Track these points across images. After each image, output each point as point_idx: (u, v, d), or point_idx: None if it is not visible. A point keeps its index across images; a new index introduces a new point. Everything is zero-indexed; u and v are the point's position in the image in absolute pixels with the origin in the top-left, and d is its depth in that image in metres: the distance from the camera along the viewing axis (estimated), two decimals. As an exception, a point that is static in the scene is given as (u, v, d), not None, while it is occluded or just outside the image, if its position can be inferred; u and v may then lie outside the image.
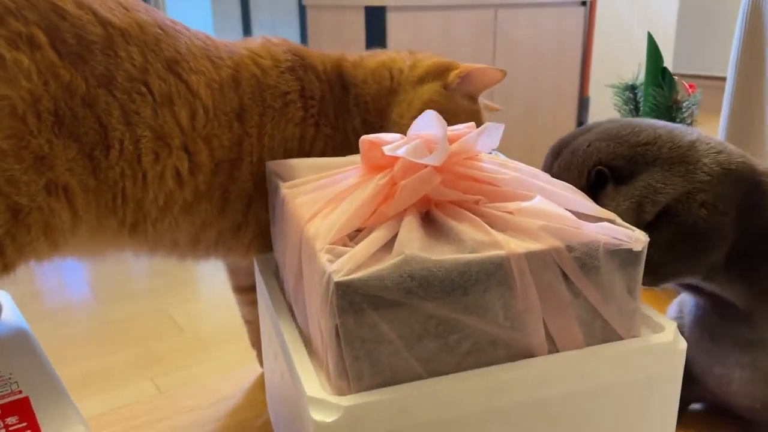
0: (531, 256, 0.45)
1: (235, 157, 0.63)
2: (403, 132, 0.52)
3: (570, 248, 0.45)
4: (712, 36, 4.72)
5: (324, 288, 0.43)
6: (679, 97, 0.90)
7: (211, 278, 2.17)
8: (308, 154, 0.67)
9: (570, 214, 0.48)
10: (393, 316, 0.43)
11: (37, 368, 0.54)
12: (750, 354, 0.63)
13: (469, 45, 3.11)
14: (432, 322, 0.44)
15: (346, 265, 0.42)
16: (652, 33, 0.96)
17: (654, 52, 0.93)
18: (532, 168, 0.57)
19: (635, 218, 0.58)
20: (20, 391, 0.51)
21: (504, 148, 0.64)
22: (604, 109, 1.01)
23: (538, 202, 0.49)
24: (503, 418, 0.46)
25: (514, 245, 0.45)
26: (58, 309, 2.02)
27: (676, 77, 0.93)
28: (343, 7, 2.94)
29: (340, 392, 0.44)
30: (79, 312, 2.02)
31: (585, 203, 0.51)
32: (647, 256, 0.49)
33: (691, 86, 0.94)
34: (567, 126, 3.31)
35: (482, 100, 0.75)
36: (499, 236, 0.45)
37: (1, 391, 0.51)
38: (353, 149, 0.66)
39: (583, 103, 3.58)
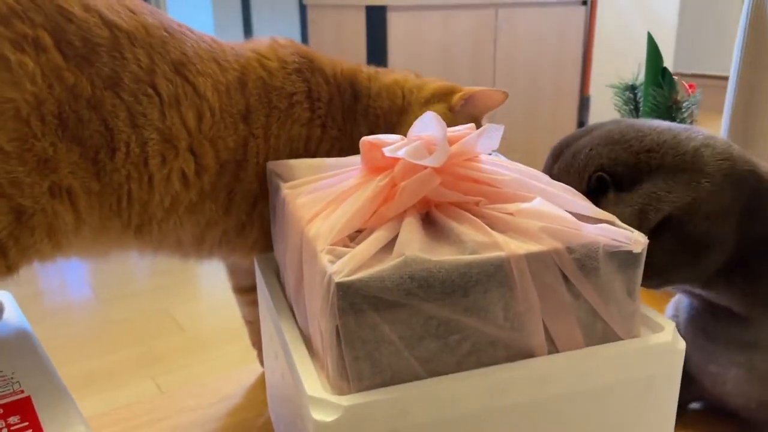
0: (531, 258, 0.45)
1: (240, 158, 0.64)
2: None
3: (570, 250, 0.46)
4: (713, 35, 4.72)
5: (325, 289, 0.43)
6: (678, 97, 0.90)
7: (212, 278, 2.17)
8: (314, 155, 0.67)
9: (570, 215, 0.48)
10: (393, 316, 0.43)
11: (38, 368, 0.54)
12: (744, 354, 0.63)
13: (470, 44, 3.11)
14: (432, 323, 0.44)
15: (346, 265, 0.42)
16: (653, 32, 0.96)
17: (654, 52, 0.93)
18: (532, 169, 0.57)
19: (638, 225, 0.57)
20: (22, 391, 0.51)
21: (504, 147, 0.64)
22: (605, 108, 1.01)
23: (538, 203, 0.49)
24: (503, 418, 0.47)
25: (515, 246, 0.45)
26: (59, 309, 2.02)
27: (676, 77, 0.93)
28: (343, 7, 2.94)
29: (341, 392, 0.44)
30: (80, 312, 2.02)
31: (584, 205, 0.52)
32: (648, 260, 0.49)
33: (690, 86, 0.94)
34: (567, 126, 3.31)
35: (485, 122, 0.76)
36: (500, 237, 0.45)
37: (4, 391, 0.51)
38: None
39: (583, 103, 3.58)
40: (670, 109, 0.89)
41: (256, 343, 0.81)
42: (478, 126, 0.73)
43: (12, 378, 0.52)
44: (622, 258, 0.47)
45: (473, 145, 0.52)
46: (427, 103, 0.71)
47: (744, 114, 0.95)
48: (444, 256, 0.44)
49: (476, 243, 0.45)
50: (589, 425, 0.49)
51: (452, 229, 0.47)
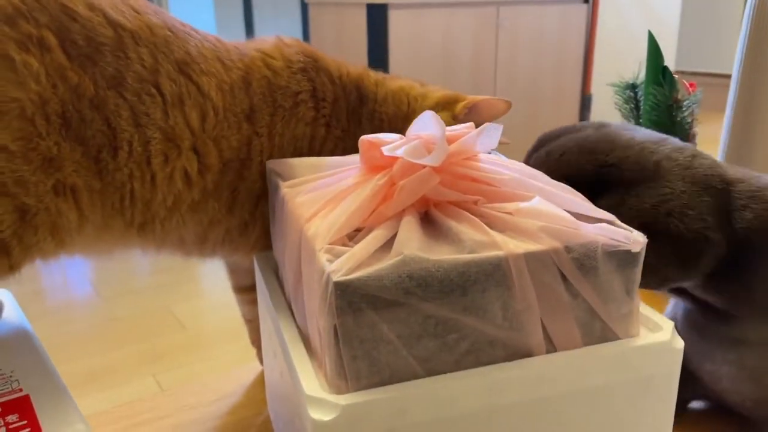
0: (529, 257, 0.45)
1: (244, 157, 0.64)
2: None
3: (568, 249, 0.46)
4: (715, 33, 4.72)
5: (323, 287, 0.43)
6: (679, 96, 0.90)
7: (213, 276, 2.17)
8: (318, 155, 0.68)
9: (568, 215, 0.48)
10: (392, 315, 0.43)
11: (38, 366, 0.54)
12: (734, 351, 0.64)
13: (471, 42, 3.11)
14: (431, 322, 0.44)
15: (345, 264, 0.42)
16: (654, 30, 0.96)
17: (654, 51, 0.93)
18: (531, 168, 0.57)
19: None
20: (21, 390, 0.51)
21: (504, 146, 0.64)
22: (606, 107, 1.02)
23: (536, 202, 0.49)
24: (501, 417, 0.47)
25: (513, 246, 0.45)
26: (61, 306, 2.03)
27: (678, 75, 0.93)
28: (344, 5, 2.94)
29: (339, 391, 0.44)
30: (81, 309, 2.02)
31: (583, 204, 0.51)
32: (644, 260, 0.49)
33: (691, 85, 0.94)
34: (569, 124, 3.31)
35: None
36: (498, 237, 0.45)
37: (2, 390, 0.51)
38: None
39: (585, 101, 3.58)
40: (670, 108, 0.89)
41: (256, 341, 0.81)
42: None
43: (11, 377, 0.53)
44: (621, 257, 0.47)
45: (472, 144, 0.52)
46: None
47: (746, 112, 0.95)
48: (443, 255, 0.44)
49: (475, 242, 0.45)
50: (587, 424, 0.49)
51: (451, 228, 0.47)
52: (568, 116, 3.50)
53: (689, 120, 0.91)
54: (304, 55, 0.69)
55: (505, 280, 0.44)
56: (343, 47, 3.01)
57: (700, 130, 0.95)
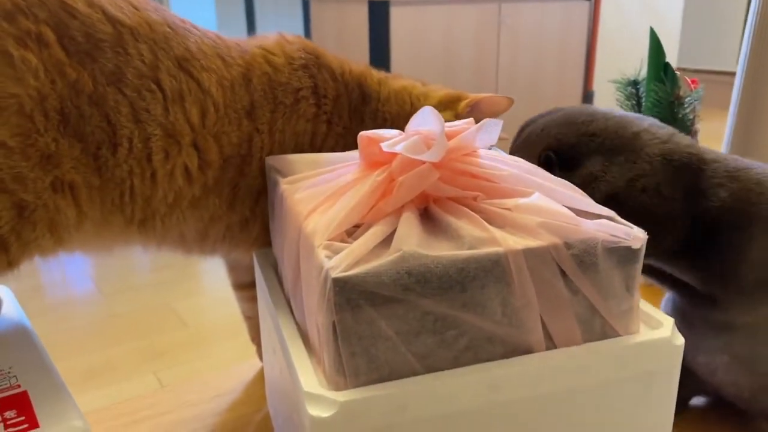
0: (529, 253, 0.45)
1: (245, 153, 0.64)
2: None
3: (568, 245, 0.45)
4: (718, 30, 4.70)
5: (322, 284, 0.43)
6: (681, 93, 0.89)
7: (214, 273, 2.17)
8: (319, 151, 0.68)
9: (568, 210, 0.48)
10: (390, 312, 0.43)
11: (36, 363, 0.54)
12: (723, 338, 0.64)
13: (473, 40, 3.11)
14: (429, 319, 0.44)
15: (344, 261, 0.42)
16: (657, 26, 0.96)
17: (656, 48, 0.93)
18: (531, 164, 0.57)
19: None
20: (19, 386, 0.51)
21: (508, 142, 0.65)
22: (608, 103, 1.01)
23: (536, 198, 0.49)
24: (501, 414, 0.46)
25: (512, 242, 0.45)
26: (60, 303, 2.03)
27: (680, 72, 0.93)
28: (346, 1, 2.94)
29: (337, 388, 0.44)
30: (81, 306, 2.02)
31: (583, 200, 0.51)
32: None
33: (693, 82, 0.93)
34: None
35: None
36: (497, 233, 0.45)
37: (0, 385, 0.51)
38: None
39: (587, 98, 3.58)
40: (672, 105, 0.89)
41: (255, 338, 0.81)
42: None
43: (9, 373, 0.52)
44: (621, 254, 0.47)
45: (471, 140, 0.51)
46: None
47: (750, 109, 0.95)
48: (442, 251, 0.44)
49: (474, 238, 0.45)
50: (587, 422, 0.49)
51: (450, 224, 0.47)
52: (570, 113, 3.49)
53: (691, 117, 0.90)
54: (306, 51, 0.69)
55: (505, 276, 0.44)
56: (345, 44, 3.00)
57: (702, 127, 0.95)
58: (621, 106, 0.99)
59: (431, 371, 0.45)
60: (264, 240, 0.68)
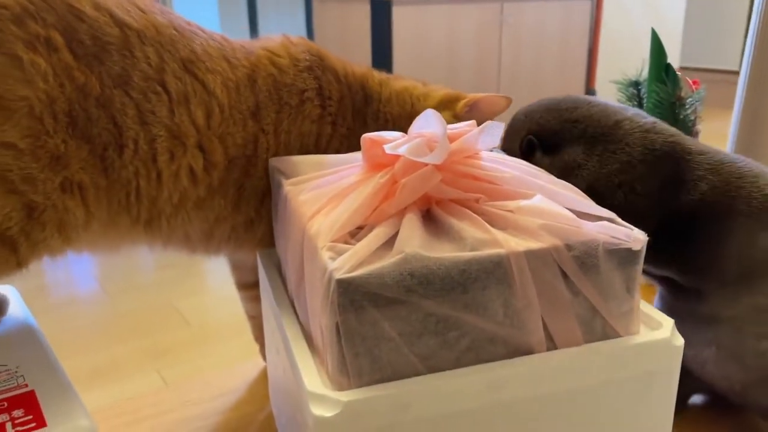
0: (530, 255, 0.45)
1: (250, 154, 0.64)
2: None
3: (569, 247, 0.46)
4: (721, 29, 4.70)
5: (325, 285, 0.43)
6: (682, 94, 0.90)
7: (217, 272, 2.18)
8: (324, 152, 0.68)
9: (569, 212, 0.48)
10: (393, 313, 0.43)
11: (42, 362, 0.55)
12: (710, 331, 0.63)
13: (475, 38, 3.11)
14: (432, 320, 0.44)
15: (347, 262, 0.43)
16: (659, 26, 0.96)
17: (658, 49, 0.93)
18: (532, 166, 0.57)
19: None
20: (26, 385, 0.51)
21: None
22: (612, 101, 1.02)
23: (538, 200, 0.49)
24: (502, 414, 0.47)
25: (514, 244, 0.45)
26: (65, 302, 2.03)
27: (683, 71, 0.93)
28: (348, 1, 2.94)
29: (341, 388, 0.44)
30: (86, 305, 2.03)
31: (585, 202, 0.52)
32: None
33: (694, 82, 0.93)
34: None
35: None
36: (499, 234, 0.46)
37: (8, 385, 0.51)
38: None
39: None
40: (673, 106, 0.89)
41: (259, 338, 0.82)
42: None
43: (16, 372, 0.53)
44: (622, 255, 0.48)
45: (474, 142, 0.52)
46: None
47: (754, 108, 0.95)
48: (444, 253, 0.44)
49: (476, 240, 0.45)
50: (587, 421, 0.50)
51: (452, 226, 0.47)
52: (572, 112, 3.49)
53: (692, 118, 0.91)
54: (310, 53, 0.69)
55: (506, 277, 0.45)
56: (347, 43, 3.01)
57: (705, 126, 0.95)
58: (623, 107, 0.99)
59: (433, 372, 0.45)
60: (268, 241, 0.69)
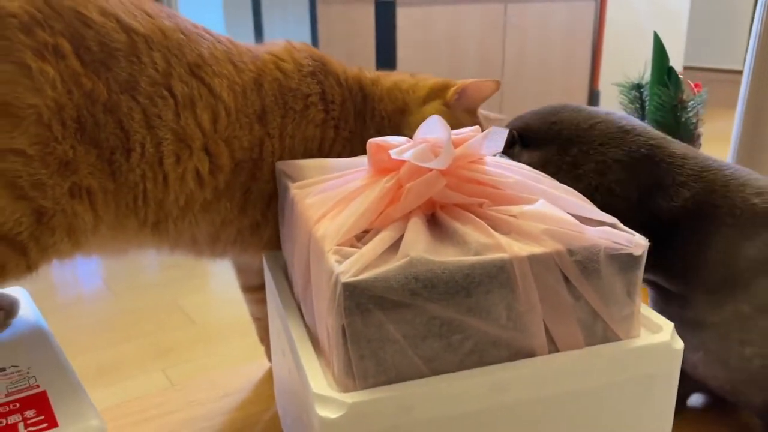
0: (533, 259, 0.46)
1: (256, 158, 0.65)
2: None
3: (571, 252, 0.47)
4: (725, 29, 4.69)
5: (332, 288, 0.44)
6: (684, 97, 0.90)
7: (222, 272, 2.18)
8: (327, 156, 0.69)
9: (572, 218, 0.49)
10: (398, 316, 0.44)
11: (53, 363, 0.55)
12: (697, 336, 0.63)
13: (479, 39, 3.11)
14: (436, 323, 0.45)
15: (353, 266, 0.43)
16: (663, 25, 0.97)
17: (660, 51, 0.93)
18: (536, 171, 0.58)
19: None
20: (38, 386, 0.52)
21: (502, 122, 0.67)
22: (614, 103, 1.02)
23: (540, 205, 0.50)
24: (504, 416, 0.48)
25: (517, 248, 0.46)
26: (71, 301, 2.04)
27: (687, 71, 0.93)
28: (353, 1, 2.95)
29: (346, 389, 0.45)
30: (92, 304, 2.04)
31: (587, 207, 0.52)
32: None
33: (696, 85, 0.94)
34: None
35: (482, 111, 0.77)
36: (503, 239, 0.46)
37: (20, 385, 0.52)
38: None
39: (593, 97, 3.57)
40: (675, 109, 0.90)
41: (264, 339, 0.83)
42: (475, 116, 0.75)
43: (28, 373, 0.54)
44: (623, 260, 0.48)
45: (478, 147, 0.53)
46: (425, 101, 0.74)
47: (757, 108, 0.95)
48: (448, 257, 0.45)
49: (480, 244, 0.46)
50: (588, 424, 0.50)
51: (456, 230, 0.48)
52: (576, 113, 3.48)
53: (694, 120, 0.91)
54: (313, 59, 0.70)
55: (509, 282, 0.45)
56: (351, 44, 3.01)
57: (709, 126, 0.96)
58: (625, 110, 1.00)
59: (437, 374, 0.46)
60: (275, 244, 0.69)
